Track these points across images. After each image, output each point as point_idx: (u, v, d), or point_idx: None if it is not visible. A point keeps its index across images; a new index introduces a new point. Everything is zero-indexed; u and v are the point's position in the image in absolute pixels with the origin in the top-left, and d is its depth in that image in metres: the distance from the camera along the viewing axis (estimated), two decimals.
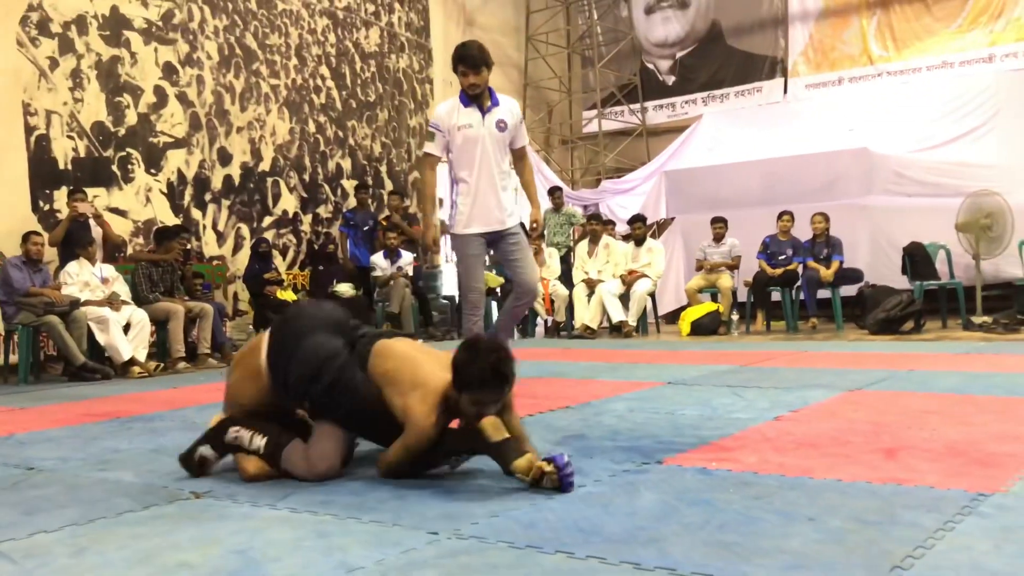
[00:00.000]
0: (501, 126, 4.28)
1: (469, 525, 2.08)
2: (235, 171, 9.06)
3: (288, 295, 8.68)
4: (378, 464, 2.61)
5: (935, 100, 10.60)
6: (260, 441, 2.62)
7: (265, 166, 9.38)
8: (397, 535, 2.03)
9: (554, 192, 10.20)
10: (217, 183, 8.86)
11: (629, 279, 8.48)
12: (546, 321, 9.45)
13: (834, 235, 8.17)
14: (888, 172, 9.32)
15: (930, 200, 8.87)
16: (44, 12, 7.46)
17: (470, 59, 4.16)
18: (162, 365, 6.92)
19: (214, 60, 8.90)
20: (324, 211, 10.06)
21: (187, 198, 8.56)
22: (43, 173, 7.38)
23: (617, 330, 8.43)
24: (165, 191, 8.36)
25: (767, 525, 1.98)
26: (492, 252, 4.69)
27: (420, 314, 8.93)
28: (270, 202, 9.43)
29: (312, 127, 9.98)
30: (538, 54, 13.43)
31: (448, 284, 10.68)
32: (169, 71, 8.46)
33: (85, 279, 6.81)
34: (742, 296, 8.54)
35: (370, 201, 10.22)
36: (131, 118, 8.08)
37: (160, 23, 8.41)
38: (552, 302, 8.95)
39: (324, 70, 10.18)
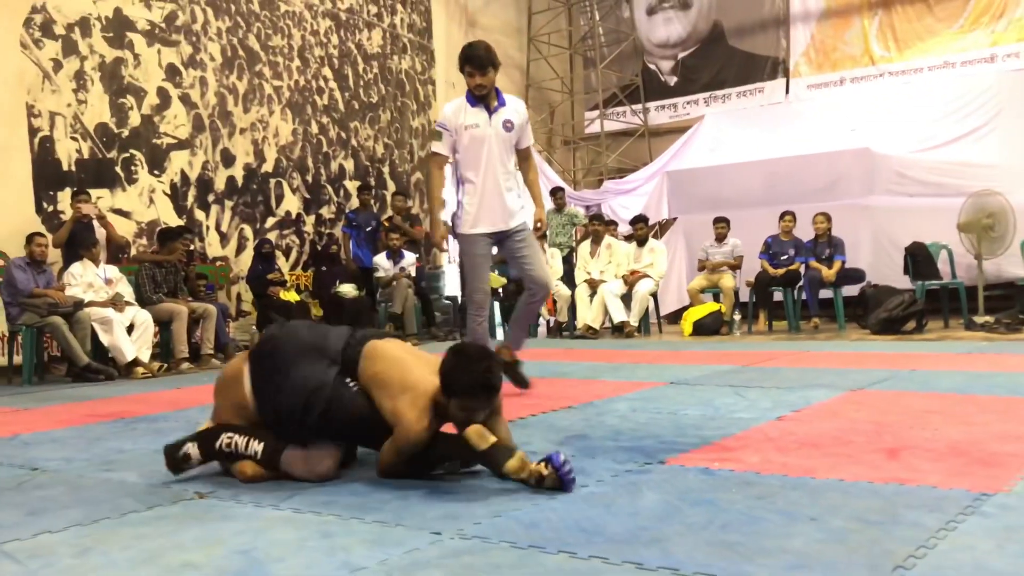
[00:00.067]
0: (508, 126, 4.27)
1: (472, 525, 2.08)
2: (238, 172, 9.07)
3: (291, 296, 8.70)
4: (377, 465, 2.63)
5: (937, 100, 10.59)
6: (257, 446, 2.62)
7: (268, 167, 9.40)
8: (400, 535, 2.04)
9: (556, 193, 10.21)
10: (220, 184, 8.88)
11: (631, 279, 8.48)
12: (548, 321, 9.47)
13: (836, 235, 8.18)
14: (890, 172, 9.32)
15: (932, 200, 8.87)
16: (48, 14, 7.48)
17: (476, 59, 4.15)
18: (165, 366, 6.93)
19: (217, 62, 8.92)
20: (327, 212, 10.07)
21: (190, 199, 8.58)
22: (47, 174, 7.41)
23: (619, 330, 8.43)
24: (168, 192, 8.38)
25: (769, 525, 1.99)
26: (498, 251, 4.69)
27: (423, 315, 8.94)
28: (273, 203, 9.45)
29: (315, 128, 9.99)
30: (540, 55, 13.43)
31: (451, 285, 10.69)
32: (172, 72, 8.48)
33: (89, 280, 6.83)
34: (744, 296, 8.54)
35: (373, 202, 10.24)
36: (134, 119, 8.10)
37: (163, 25, 8.42)
38: (555, 302, 8.96)
39: (327, 71, 10.19)
